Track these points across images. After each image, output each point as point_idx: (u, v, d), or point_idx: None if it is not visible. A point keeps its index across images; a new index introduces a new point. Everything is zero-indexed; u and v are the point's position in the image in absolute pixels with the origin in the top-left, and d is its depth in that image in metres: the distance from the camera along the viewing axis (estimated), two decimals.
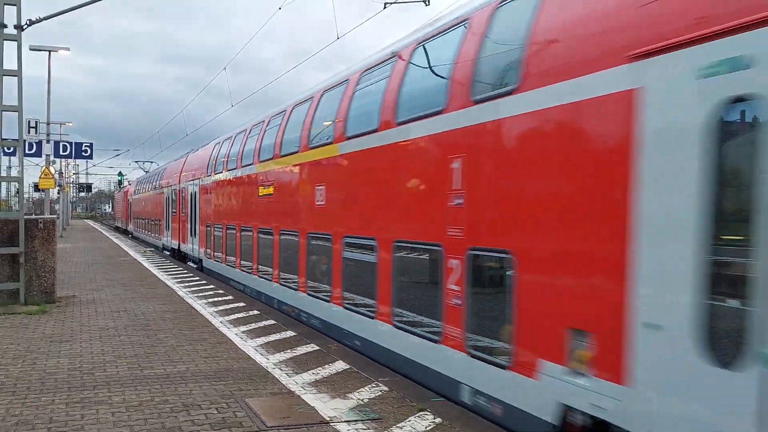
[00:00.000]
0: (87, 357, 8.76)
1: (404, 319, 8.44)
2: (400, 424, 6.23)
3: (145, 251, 30.51)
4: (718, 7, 4.32)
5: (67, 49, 24.79)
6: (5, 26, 12.66)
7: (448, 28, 7.95)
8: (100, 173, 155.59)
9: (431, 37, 8.35)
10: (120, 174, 79.47)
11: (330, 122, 11.05)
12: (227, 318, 12.00)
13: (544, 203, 5.91)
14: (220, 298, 14.57)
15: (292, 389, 7.41)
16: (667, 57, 4.68)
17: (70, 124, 33.12)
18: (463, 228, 7.07)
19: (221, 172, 19.32)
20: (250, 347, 9.56)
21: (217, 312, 12.66)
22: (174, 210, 27.72)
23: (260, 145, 15.38)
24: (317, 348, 9.57)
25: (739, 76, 4.14)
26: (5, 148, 14.73)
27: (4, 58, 12.50)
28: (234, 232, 17.53)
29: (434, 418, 6.41)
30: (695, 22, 4.44)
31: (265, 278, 14.72)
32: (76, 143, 23.74)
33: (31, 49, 24.63)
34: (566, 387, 5.43)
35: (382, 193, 9.14)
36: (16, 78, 12.53)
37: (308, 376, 7.98)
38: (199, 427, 6.04)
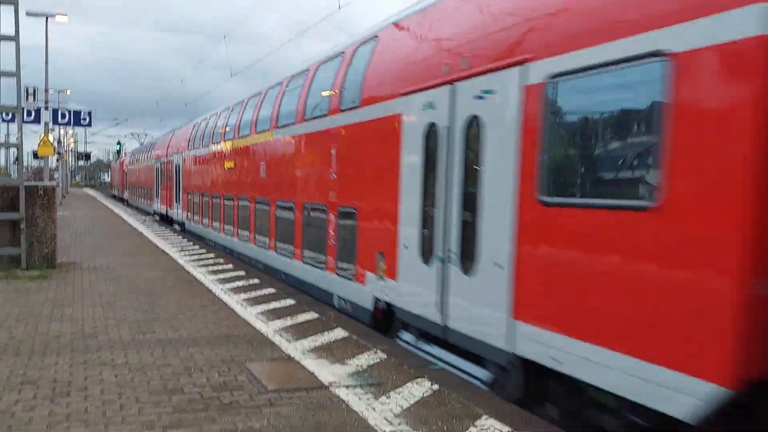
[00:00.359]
0: (89, 321, 8.87)
1: (308, 256, 12.05)
2: (398, 390, 6.33)
3: (144, 220, 30.58)
4: (426, 75, 7.94)
5: (65, 14, 24.46)
6: None
7: (334, 56, 11.41)
8: (99, 142, 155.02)
9: (326, 61, 11.75)
10: (119, 143, 79.38)
11: (269, 113, 14.51)
12: (228, 286, 12.10)
13: (366, 178, 9.60)
14: (220, 267, 14.66)
15: (292, 355, 7.51)
16: (412, 96, 8.21)
17: (68, 92, 32.83)
18: (336, 193, 10.62)
19: (198, 148, 22.72)
20: (250, 314, 9.67)
21: (217, 280, 12.76)
22: (162, 180, 31.12)
23: (224, 128, 18.91)
24: (317, 316, 9.67)
25: (431, 112, 7.74)
26: (3, 115, 14.70)
27: (1, 23, 12.42)
28: (207, 198, 21.15)
29: (432, 385, 6.51)
30: (421, 79, 8.06)
31: (228, 235, 18.46)
32: (74, 111, 23.66)
33: (27, 15, 24.31)
34: (376, 286, 9.17)
35: (296, 168, 12.70)
36: (13, 44, 12.46)
37: (308, 343, 8.08)
38: (201, 389, 6.15)
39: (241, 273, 13.80)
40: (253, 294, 11.36)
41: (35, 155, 38.06)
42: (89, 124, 24.03)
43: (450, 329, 7.34)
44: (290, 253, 12.93)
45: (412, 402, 5.96)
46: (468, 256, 6.98)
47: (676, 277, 4.57)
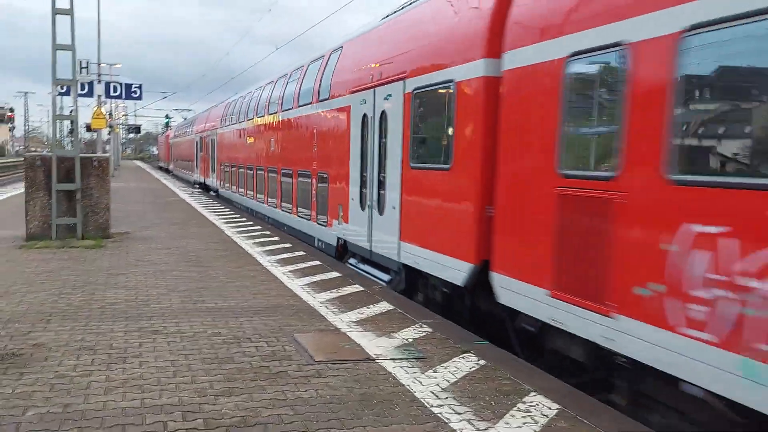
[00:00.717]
0: (142, 289, 9.11)
1: (300, 211, 15.68)
2: (444, 364, 6.33)
3: (192, 192, 31.16)
4: (363, 80, 11.20)
5: None
6: None
7: (317, 58, 14.78)
8: (148, 116, 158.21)
9: (314, 60, 15.06)
10: (167, 117, 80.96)
11: (276, 98, 18.35)
12: (274, 258, 12.26)
13: (333, 151, 12.92)
14: (266, 239, 14.86)
15: (339, 327, 7.58)
16: (355, 94, 11.49)
17: (119, 66, 33.50)
18: (315, 162, 14.14)
19: (228, 125, 26.59)
20: (296, 286, 9.78)
21: (264, 252, 12.94)
22: (201, 152, 35.93)
23: (247, 108, 22.68)
24: (362, 289, 9.73)
25: (365, 106, 11.06)
26: (59, 88, 15.04)
27: None
28: (234, 169, 25.32)
29: (478, 360, 6.49)
30: (360, 82, 11.34)
31: (249, 197, 22.65)
32: (126, 84, 24.09)
33: None
34: (338, 229, 12.62)
35: (293, 143, 16.32)
36: (67, 17, 12.68)
37: (354, 315, 8.14)
38: (251, 359, 6.26)
39: (287, 245, 13.96)
40: (299, 266, 11.49)
41: (88, 128, 39.02)
42: (140, 98, 24.53)
43: (373, 252, 10.95)
44: (289, 209, 16.80)
45: (459, 377, 5.96)
46: (381, 203, 10.50)
47: (456, 206, 8.19)
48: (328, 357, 6.42)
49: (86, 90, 21.81)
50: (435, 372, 6.09)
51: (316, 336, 7.17)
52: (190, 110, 71.53)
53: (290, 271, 10.94)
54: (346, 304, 8.75)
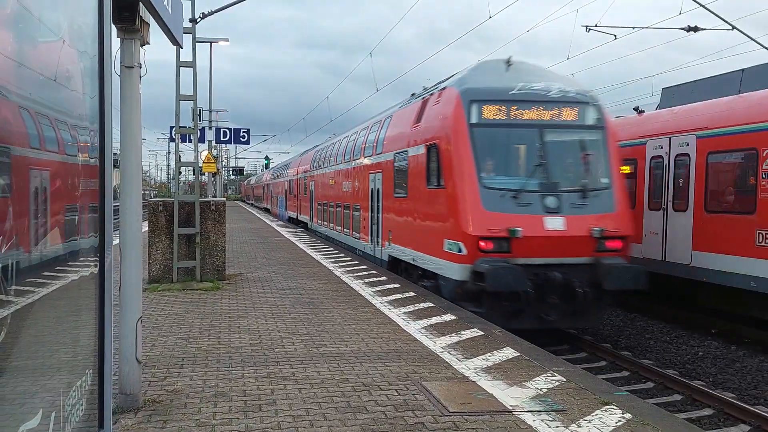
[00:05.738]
0: (264, 333, 9.22)
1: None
2: (587, 418, 5.93)
3: (296, 231, 31.91)
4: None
5: (227, 39, 26.20)
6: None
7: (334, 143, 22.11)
8: (247, 157, 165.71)
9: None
10: (267, 158, 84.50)
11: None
12: (386, 299, 12.16)
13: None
14: (374, 279, 14.83)
15: (466, 374, 7.32)
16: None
17: (227, 112, 35.26)
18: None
19: (275, 179, 40.12)
20: (414, 329, 9.61)
21: (375, 293, 12.88)
22: (257, 192, 51.69)
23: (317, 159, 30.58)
24: (481, 333, 9.42)
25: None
26: (173, 134, 15.85)
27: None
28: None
29: (623, 414, 6.05)
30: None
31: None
32: (234, 129, 25.15)
33: (197, 42, 26.18)
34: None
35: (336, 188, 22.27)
36: (186, 68, 13.34)
37: (479, 362, 7.85)
38: (384, 408, 6.11)
39: (396, 285, 13.85)
40: (412, 308, 11.33)
41: (193, 171, 41.17)
42: (247, 142, 25.56)
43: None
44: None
45: None
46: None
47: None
48: (463, 408, 6.17)
49: (198, 136, 22.94)
50: (579, 426, 5.71)
51: (444, 384, 6.94)
52: (266, 161, 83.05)
53: (405, 314, 10.79)
54: (468, 349, 8.47)
